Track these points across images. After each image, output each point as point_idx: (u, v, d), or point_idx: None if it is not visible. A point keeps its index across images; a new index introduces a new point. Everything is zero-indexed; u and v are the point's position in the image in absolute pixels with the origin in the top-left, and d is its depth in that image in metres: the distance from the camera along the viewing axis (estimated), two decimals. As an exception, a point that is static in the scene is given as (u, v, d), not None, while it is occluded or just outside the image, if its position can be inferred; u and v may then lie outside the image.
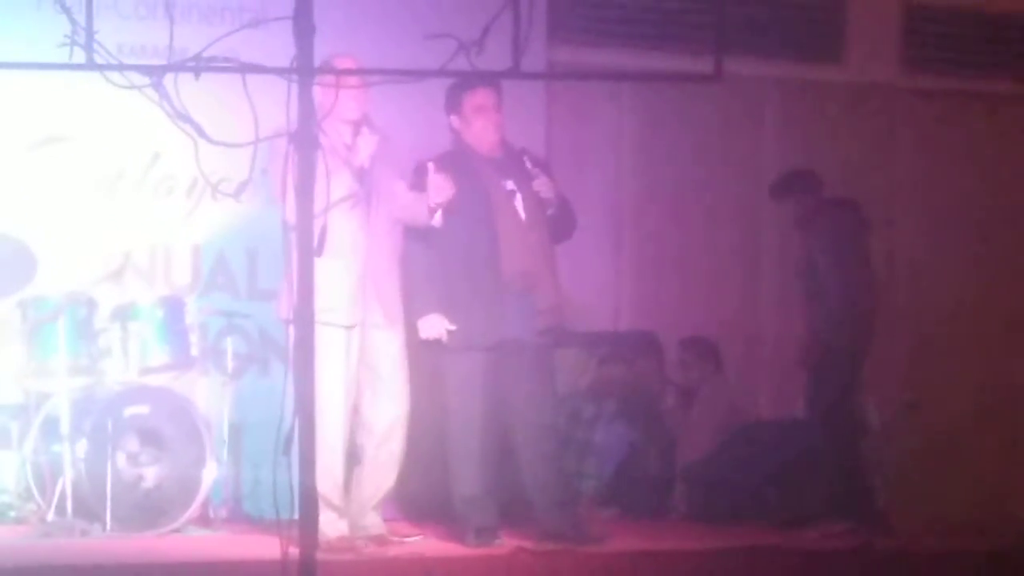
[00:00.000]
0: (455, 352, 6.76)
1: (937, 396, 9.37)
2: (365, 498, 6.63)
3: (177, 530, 6.99)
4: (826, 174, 8.29)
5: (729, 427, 8.53)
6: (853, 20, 9.76)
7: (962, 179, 9.79)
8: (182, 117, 4.31)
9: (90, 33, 4.16)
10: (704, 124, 9.42)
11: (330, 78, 6.11)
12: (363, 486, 6.64)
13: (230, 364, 7.65)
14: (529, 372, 6.82)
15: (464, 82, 6.73)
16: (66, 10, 4.24)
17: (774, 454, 8.16)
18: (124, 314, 7.32)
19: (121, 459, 7.00)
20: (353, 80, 6.29)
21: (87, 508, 6.87)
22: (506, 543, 6.61)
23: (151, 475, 7.05)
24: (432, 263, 6.78)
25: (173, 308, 7.41)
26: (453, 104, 6.90)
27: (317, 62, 4.24)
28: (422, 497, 7.45)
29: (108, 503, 6.85)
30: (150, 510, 6.99)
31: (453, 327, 6.72)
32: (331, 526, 6.35)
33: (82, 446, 6.92)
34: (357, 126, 6.58)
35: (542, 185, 6.85)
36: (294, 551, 4.14)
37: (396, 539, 6.62)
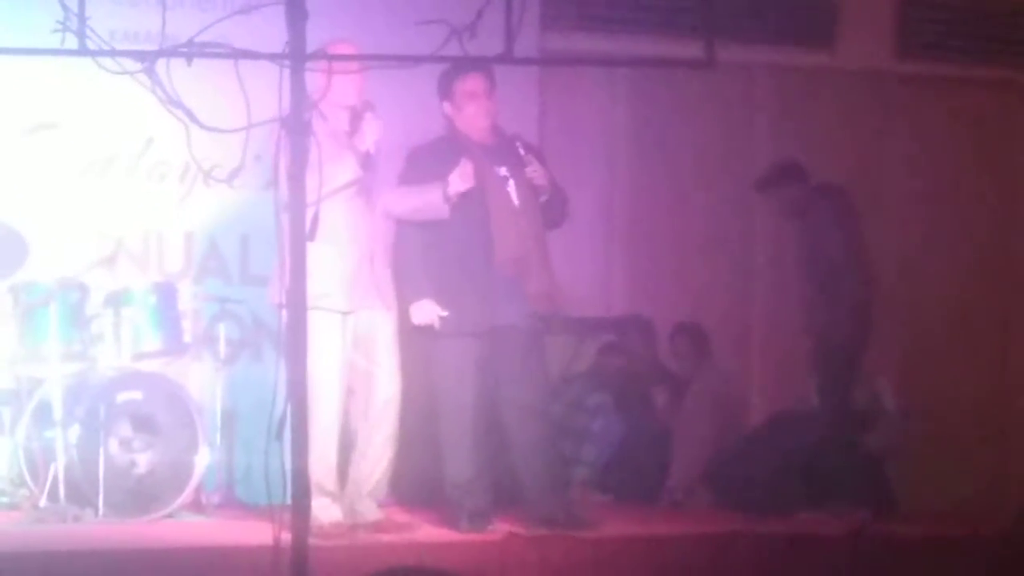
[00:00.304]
0: (447, 337, 6.77)
1: (930, 385, 9.38)
2: (359, 484, 6.64)
3: (170, 516, 7.00)
4: (818, 161, 8.31)
5: (723, 415, 8.52)
6: (846, 6, 9.75)
7: (956, 166, 9.79)
8: (174, 103, 4.31)
9: (82, 19, 4.16)
10: (697, 110, 9.41)
11: (337, 64, 6.13)
12: (357, 472, 6.65)
13: (223, 350, 7.65)
14: (521, 358, 6.82)
15: (455, 68, 6.73)
16: (58, -4, 4.24)
17: (797, 444, 8.08)
18: (117, 300, 7.32)
19: (114, 445, 7.00)
20: (352, 66, 6.29)
21: (80, 494, 6.87)
22: (498, 528, 6.62)
23: (144, 461, 7.05)
24: (424, 249, 6.78)
25: (166, 294, 7.41)
26: (445, 90, 6.90)
27: (310, 48, 4.24)
28: (415, 483, 7.45)
29: (101, 489, 6.85)
30: (143, 496, 7.00)
31: (445, 313, 6.72)
32: (324, 511, 6.35)
33: (74, 432, 6.92)
34: (356, 112, 6.58)
35: (535, 172, 6.85)
36: (286, 536, 4.14)
37: (391, 526, 6.62)
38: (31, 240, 7.36)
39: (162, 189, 8.09)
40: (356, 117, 6.59)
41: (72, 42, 4.18)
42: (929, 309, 9.54)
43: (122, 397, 7.07)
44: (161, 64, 4.27)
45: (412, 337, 6.80)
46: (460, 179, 6.68)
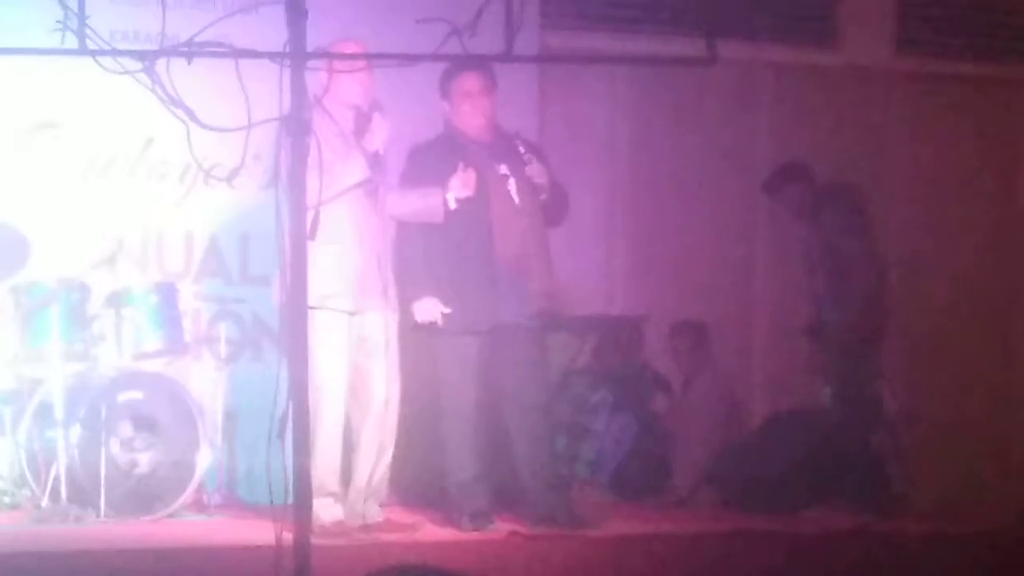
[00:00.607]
0: (448, 336, 6.77)
1: (932, 383, 9.38)
2: (361, 484, 6.63)
3: (171, 515, 7.00)
4: (820, 158, 8.30)
5: (726, 413, 8.51)
6: (847, 3, 9.75)
7: (957, 162, 9.79)
8: (175, 102, 4.31)
9: (82, 18, 4.16)
10: (698, 108, 9.41)
11: (337, 63, 6.13)
12: (359, 472, 6.64)
13: (223, 349, 7.65)
14: (522, 356, 6.82)
15: (453, 67, 6.75)
16: (58, -4, 4.24)
17: (803, 443, 8.05)
18: (118, 300, 7.32)
19: (115, 445, 7.00)
20: (359, 64, 6.29)
21: (81, 494, 6.87)
22: (500, 527, 6.62)
23: (145, 460, 7.05)
24: (426, 247, 6.78)
25: (166, 294, 7.41)
26: (444, 89, 6.90)
27: (310, 47, 4.24)
28: (416, 482, 7.45)
29: (102, 489, 6.85)
30: (144, 496, 6.99)
31: (448, 310, 6.72)
32: (326, 510, 6.36)
33: (76, 432, 6.92)
34: (364, 112, 6.58)
35: (535, 170, 6.85)
36: (288, 536, 4.14)
37: (392, 526, 6.61)
38: (32, 240, 7.36)
39: (162, 189, 8.09)
40: (363, 117, 6.59)
41: (72, 41, 4.18)
42: (928, 307, 9.53)
43: (123, 397, 7.07)
44: (161, 63, 4.27)
45: (413, 336, 6.80)
46: (461, 185, 6.69)
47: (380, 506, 6.71)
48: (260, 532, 4.62)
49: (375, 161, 6.56)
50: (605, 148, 9.39)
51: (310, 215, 6.04)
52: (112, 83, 4.45)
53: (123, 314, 7.28)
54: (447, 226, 6.74)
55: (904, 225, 9.64)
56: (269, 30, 4.50)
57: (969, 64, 9.85)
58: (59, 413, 6.94)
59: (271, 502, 4.41)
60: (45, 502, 6.88)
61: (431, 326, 6.75)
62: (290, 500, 4.18)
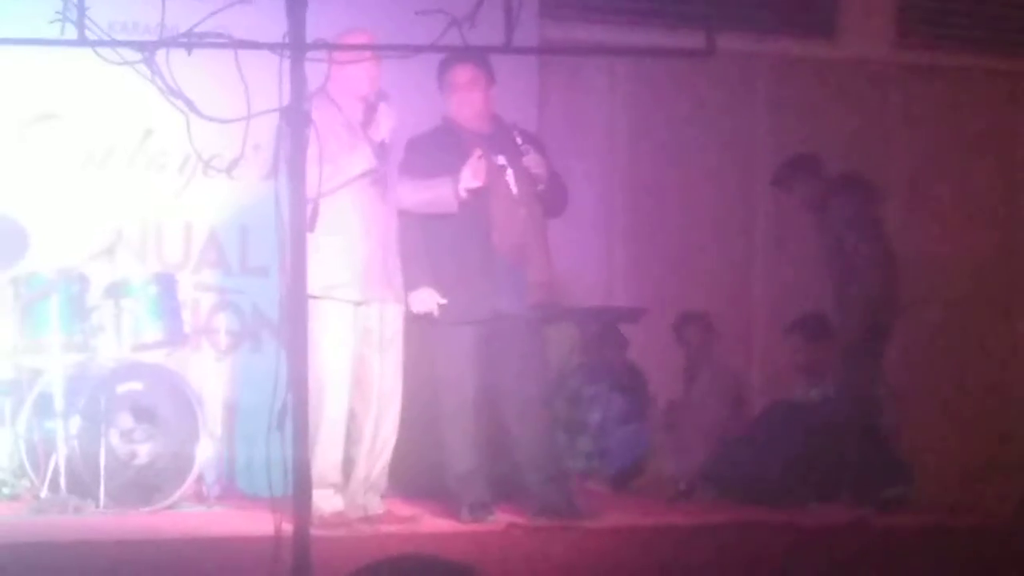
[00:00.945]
0: (446, 326, 6.77)
1: (936, 376, 9.39)
2: (362, 476, 6.63)
3: (171, 506, 7.00)
4: (818, 151, 8.29)
5: (729, 405, 8.50)
6: (846, -5, 9.77)
7: (956, 155, 9.79)
8: (174, 93, 4.30)
9: (82, 9, 4.15)
10: (697, 100, 9.41)
11: (344, 54, 6.13)
12: (360, 462, 6.64)
13: (223, 340, 7.65)
14: (520, 347, 6.82)
15: (448, 59, 6.76)
16: (57, -14, 4.23)
17: (799, 436, 8.02)
18: (117, 291, 7.32)
19: (114, 436, 7.00)
20: (366, 55, 6.29)
21: (81, 485, 6.87)
22: (499, 519, 6.62)
23: (144, 451, 7.05)
24: (424, 237, 6.78)
25: (166, 285, 7.40)
26: (440, 81, 6.92)
27: (311, 38, 4.23)
28: (416, 474, 7.45)
29: (101, 480, 6.85)
30: (144, 487, 7.00)
31: (444, 301, 6.72)
32: (327, 501, 6.36)
33: (75, 423, 6.92)
34: (370, 102, 6.57)
35: (532, 161, 6.85)
36: (288, 527, 4.14)
37: (392, 518, 6.61)
38: (32, 231, 7.36)
39: (162, 180, 8.09)
40: (370, 107, 6.58)
41: (71, 32, 4.17)
42: (928, 300, 9.52)
43: (123, 388, 7.07)
44: (161, 54, 4.26)
45: (412, 326, 6.80)
46: (472, 175, 6.69)
47: (380, 497, 6.71)
48: (259, 523, 4.61)
49: (381, 151, 6.56)
50: (604, 139, 9.39)
51: (310, 206, 6.11)
52: (111, 74, 4.45)
53: (122, 305, 7.28)
54: (445, 217, 6.74)
55: (904, 218, 9.64)
56: (269, 21, 4.50)
57: (969, 56, 9.85)
58: (59, 404, 6.95)
59: (270, 493, 4.41)
60: (44, 493, 6.88)
61: (427, 316, 6.76)
62: (289, 491, 4.18)
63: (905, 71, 9.81)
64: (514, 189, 6.85)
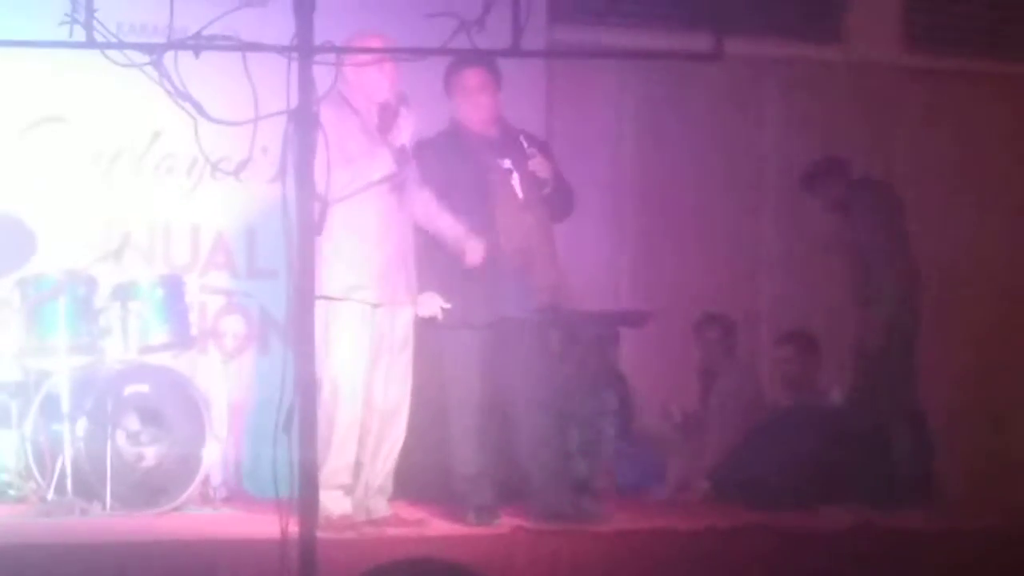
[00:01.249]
0: (452, 330, 6.76)
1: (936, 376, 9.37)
2: (371, 478, 6.63)
3: (177, 508, 7.00)
4: (826, 153, 8.29)
5: (748, 408, 8.46)
6: (854, -1, 9.77)
7: (964, 158, 9.78)
8: (182, 96, 4.30)
9: (90, 11, 4.15)
10: (705, 104, 9.41)
11: (355, 57, 6.13)
12: (369, 465, 6.63)
13: (230, 343, 7.66)
14: (527, 350, 6.82)
15: (457, 63, 6.76)
16: (66, -12, 4.24)
17: (810, 441, 8.00)
18: (124, 293, 7.32)
19: (121, 438, 7.00)
20: (383, 58, 6.29)
21: (87, 487, 6.87)
22: (505, 522, 6.62)
23: (151, 454, 7.05)
24: (429, 241, 6.77)
25: (173, 287, 7.41)
26: (448, 84, 6.91)
27: (320, 41, 4.23)
28: (422, 477, 7.44)
29: (108, 482, 6.85)
30: (150, 489, 7.00)
31: (448, 305, 6.72)
32: (336, 503, 6.35)
33: (82, 425, 6.92)
34: (389, 106, 6.56)
35: (538, 164, 6.85)
36: (294, 529, 4.14)
37: (398, 521, 6.61)
38: (39, 233, 7.37)
39: (170, 182, 8.10)
40: (387, 111, 6.57)
41: (80, 34, 4.17)
42: (938, 298, 9.50)
43: (129, 390, 7.07)
44: (169, 57, 4.27)
45: (419, 330, 6.80)
46: (472, 255, 6.66)
47: (387, 500, 6.71)
48: (266, 525, 4.62)
49: (401, 155, 6.55)
50: (612, 143, 9.39)
51: (337, 209, 6.14)
52: (120, 76, 4.45)
53: (130, 307, 7.27)
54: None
55: (911, 220, 9.62)
56: (277, 23, 4.51)
57: (977, 60, 9.84)
58: (65, 406, 6.94)
59: (277, 495, 4.41)
60: (51, 495, 6.88)
61: (434, 320, 6.76)
62: (296, 494, 4.17)
63: (912, 74, 9.79)
64: (520, 193, 6.86)
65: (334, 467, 6.34)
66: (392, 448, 6.64)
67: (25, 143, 7.84)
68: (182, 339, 7.40)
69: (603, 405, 8.61)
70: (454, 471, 6.82)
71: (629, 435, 8.53)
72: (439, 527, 6.64)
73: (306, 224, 4.19)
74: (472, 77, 6.84)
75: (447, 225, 6.72)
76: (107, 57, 4.31)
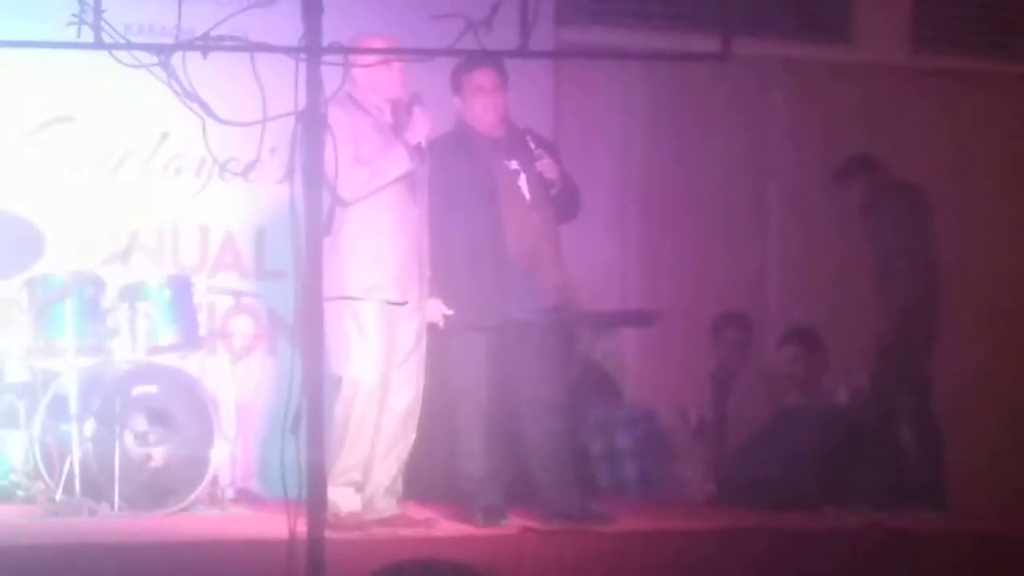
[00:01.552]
0: (459, 333, 6.76)
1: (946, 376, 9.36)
2: (381, 477, 6.63)
3: (185, 509, 7.00)
4: (835, 154, 8.28)
5: (765, 408, 8.45)
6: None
7: (973, 159, 9.77)
8: (190, 96, 4.30)
9: (98, 12, 4.16)
10: (713, 104, 9.40)
11: (362, 57, 6.13)
12: (380, 465, 6.63)
13: (238, 343, 7.66)
14: (534, 352, 6.82)
15: (465, 63, 6.75)
16: (74, -11, 4.24)
17: (817, 441, 7.97)
18: (132, 294, 7.32)
19: (129, 438, 7.00)
20: (382, 59, 6.29)
21: (95, 487, 6.87)
22: (513, 523, 6.62)
23: (159, 454, 7.05)
24: (435, 242, 6.77)
25: (181, 288, 7.41)
26: (455, 85, 6.91)
27: (326, 41, 4.24)
28: (431, 477, 7.45)
29: (116, 482, 6.85)
30: (158, 489, 7.00)
31: (450, 312, 6.71)
32: (346, 499, 6.36)
33: (90, 425, 6.93)
34: (402, 105, 6.56)
35: (545, 166, 6.85)
36: (302, 529, 4.14)
37: (406, 521, 6.61)
38: (47, 234, 7.37)
39: (178, 183, 8.11)
40: (403, 110, 6.58)
41: (88, 35, 4.18)
42: (952, 305, 9.49)
43: (137, 391, 7.07)
44: (177, 57, 4.27)
45: (428, 332, 6.80)
46: (397, 160, 6.53)
47: (396, 500, 6.71)
48: (274, 526, 4.62)
49: (417, 154, 6.55)
50: (620, 143, 9.39)
51: (354, 209, 6.14)
52: (128, 77, 4.45)
53: (138, 308, 7.28)
54: (457, 221, 6.74)
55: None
56: (285, 24, 4.51)
57: (985, 60, 9.83)
58: (73, 407, 6.95)
59: (285, 496, 4.41)
60: (59, 495, 6.88)
61: (434, 325, 6.75)
62: (304, 494, 4.18)
63: (921, 74, 9.78)
64: (527, 194, 6.85)
65: (346, 464, 6.35)
66: (403, 448, 6.64)
67: (33, 144, 7.85)
68: (190, 340, 7.40)
69: (610, 406, 8.65)
70: (462, 472, 6.82)
71: (638, 436, 8.53)
72: (447, 527, 6.64)
73: (314, 225, 4.20)
74: (479, 78, 6.84)
75: (373, 169, 6.53)
76: (115, 58, 4.32)
